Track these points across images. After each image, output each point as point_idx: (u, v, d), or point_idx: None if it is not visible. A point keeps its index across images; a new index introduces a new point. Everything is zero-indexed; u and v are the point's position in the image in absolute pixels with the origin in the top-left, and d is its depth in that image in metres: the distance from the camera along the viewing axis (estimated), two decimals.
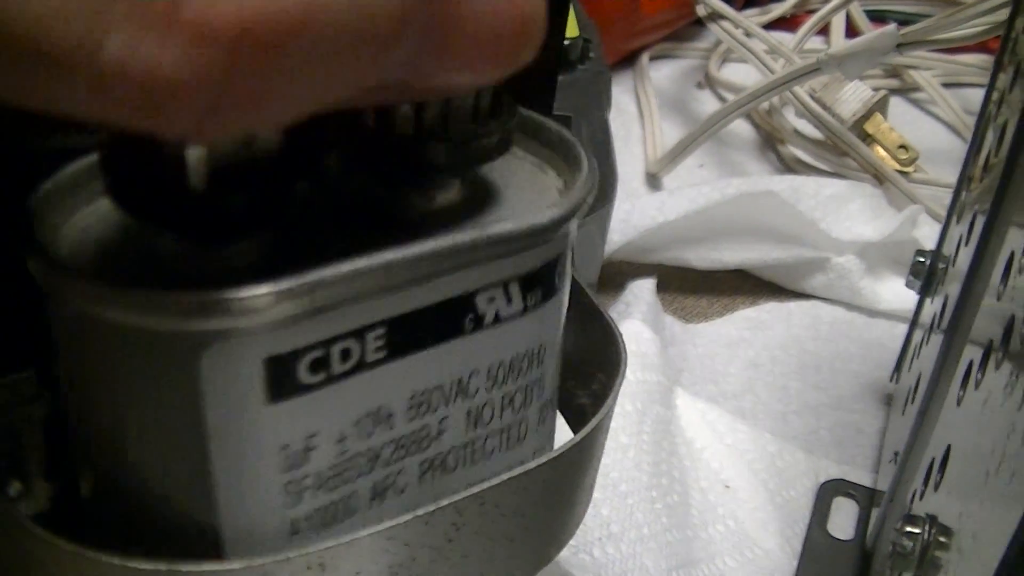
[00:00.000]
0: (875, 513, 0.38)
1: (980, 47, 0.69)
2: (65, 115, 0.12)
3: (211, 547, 0.18)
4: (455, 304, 0.19)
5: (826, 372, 0.47)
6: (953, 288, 0.32)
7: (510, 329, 0.20)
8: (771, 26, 0.74)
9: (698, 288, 0.52)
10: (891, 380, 0.46)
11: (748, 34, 0.66)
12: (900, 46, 0.54)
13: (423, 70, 0.14)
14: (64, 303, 0.17)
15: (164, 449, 0.17)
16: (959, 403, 0.28)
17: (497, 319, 0.19)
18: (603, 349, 0.23)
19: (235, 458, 0.17)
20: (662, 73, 0.72)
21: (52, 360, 0.19)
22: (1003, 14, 0.49)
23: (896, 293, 0.50)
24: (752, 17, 0.72)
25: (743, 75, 0.69)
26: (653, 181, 0.60)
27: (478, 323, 0.19)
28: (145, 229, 0.17)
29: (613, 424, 0.32)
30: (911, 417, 0.33)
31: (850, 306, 0.51)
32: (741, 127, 0.66)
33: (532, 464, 0.20)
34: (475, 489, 0.20)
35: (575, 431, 0.23)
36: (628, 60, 0.71)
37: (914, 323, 0.43)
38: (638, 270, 0.51)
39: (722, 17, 0.67)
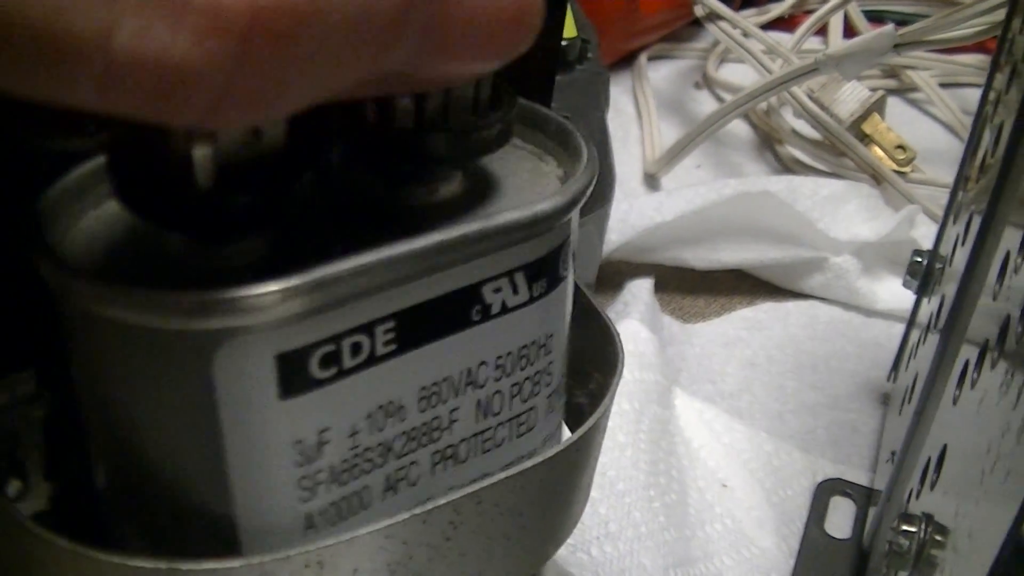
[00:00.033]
0: (872, 512, 0.38)
1: (977, 47, 0.69)
2: (74, 107, 0.12)
3: (228, 542, 0.18)
4: (462, 295, 0.19)
5: (823, 372, 0.47)
6: (950, 288, 0.32)
7: (517, 318, 0.20)
8: (769, 26, 0.74)
9: (696, 288, 0.52)
10: (888, 380, 0.46)
11: (746, 34, 0.66)
12: (898, 46, 0.54)
13: (423, 59, 0.15)
14: (75, 305, 0.17)
15: (178, 447, 0.17)
16: (955, 402, 0.28)
17: (504, 309, 0.19)
18: (601, 349, 0.23)
19: (249, 454, 0.17)
20: (660, 73, 0.72)
21: (59, 359, 0.19)
22: (1000, 14, 0.49)
23: (893, 293, 0.50)
24: (750, 17, 0.73)
25: (741, 75, 0.69)
26: (651, 181, 0.61)
27: (485, 313, 0.19)
28: (152, 230, 0.17)
29: (611, 423, 0.33)
30: (908, 416, 0.33)
31: (847, 306, 0.51)
32: (739, 127, 0.66)
33: (529, 463, 0.20)
34: (472, 488, 0.20)
35: (572, 430, 0.23)
36: (626, 60, 0.71)
37: (911, 323, 0.43)
38: (636, 270, 0.51)
39: (720, 17, 0.67)
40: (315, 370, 0.17)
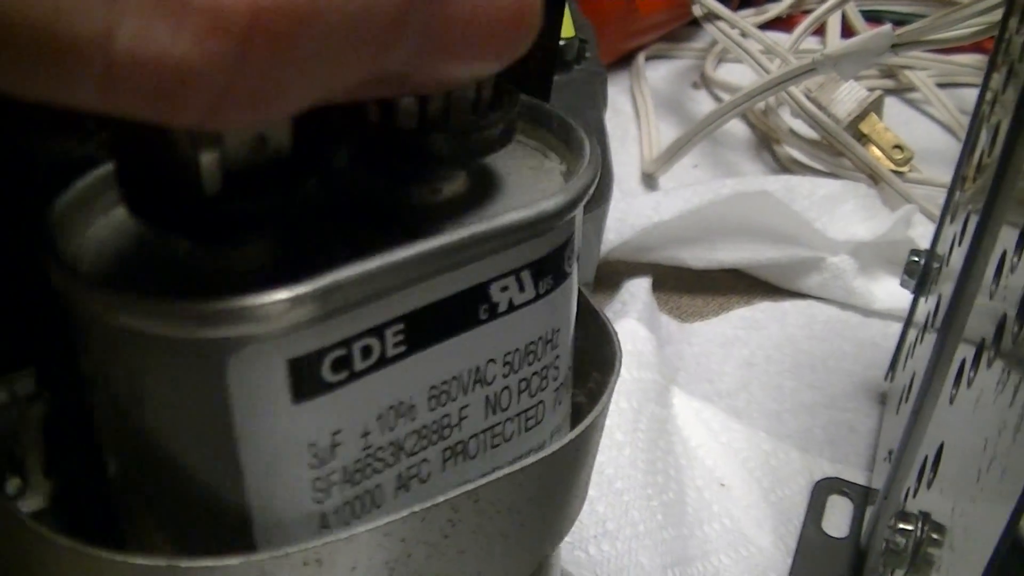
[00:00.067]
0: (869, 511, 0.38)
1: (975, 47, 0.69)
2: (75, 107, 0.12)
3: (243, 542, 0.18)
4: (470, 295, 0.19)
5: (820, 371, 0.48)
6: (947, 287, 0.32)
7: (524, 316, 0.20)
8: (767, 26, 0.74)
9: (693, 287, 0.52)
10: (885, 379, 0.46)
11: (744, 34, 0.67)
12: (895, 46, 0.54)
13: (423, 60, 0.15)
14: (87, 313, 0.17)
15: (193, 451, 0.18)
16: (952, 401, 0.28)
17: (511, 307, 0.19)
18: (599, 348, 0.23)
19: (264, 457, 0.17)
20: (658, 73, 0.72)
21: (59, 358, 0.19)
22: (997, 14, 0.49)
23: (890, 292, 0.50)
24: (748, 17, 0.73)
25: (739, 75, 0.69)
26: (649, 181, 0.61)
27: (493, 312, 0.19)
28: (161, 236, 0.17)
29: (609, 422, 0.33)
30: (905, 416, 0.33)
31: (845, 305, 0.52)
32: (737, 127, 0.66)
33: (527, 461, 0.20)
34: (470, 486, 0.20)
35: (570, 428, 0.23)
36: (624, 60, 0.71)
37: (908, 322, 0.43)
38: (634, 269, 0.51)
39: (718, 17, 0.67)
40: (327, 374, 0.17)
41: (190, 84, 0.12)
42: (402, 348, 0.18)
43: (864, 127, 0.61)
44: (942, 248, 0.38)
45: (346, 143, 0.18)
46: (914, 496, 0.30)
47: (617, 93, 0.67)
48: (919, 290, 0.40)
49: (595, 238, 0.47)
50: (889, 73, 0.71)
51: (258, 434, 0.17)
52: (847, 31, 0.73)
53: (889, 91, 0.69)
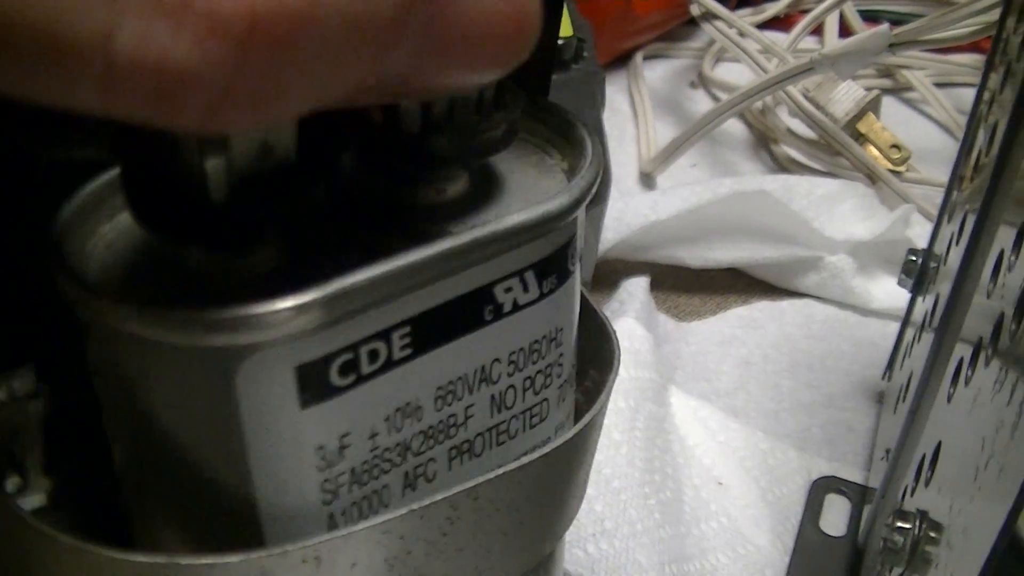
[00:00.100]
0: (866, 510, 0.38)
1: (972, 47, 0.69)
2: (74, 109, 0.13)
3: (253, 543, 0.18)
4: (475, 297, 0.19)
5: (818, 370, 0.48)
6: (944, 287, 0.32)
7: (528, 315, 0.20)
8: (764, 26, 0.74)
9: (691, 286, 0.52)
10: (883, 378, 0.46)
11: (742, 34, 0.67)
12: (893, 46, 0.55)
13: (422, 67, 0.15)
14: (94, 320, 0.17)
15: (202, 455, 0.18)
16: (949, 400, 0.28)
17: (516, 307, 0.20)
18: (597, 346, 0.24)
19: (273, 461, 0.17)
20: (656, 73, 0.72)
21: (59, 356, 0.19)
22: (995, 14, 0.49)
23: (888, 292, 0.50)
24: (745, 17, 0.73)
25: (736, 75, 0.69)
26: (647, 180, 0.61)
27: (498, 313, 0.19)
28: (167, 244, 0.17)
29: (606, 421, 0.33)
30: (903, 415, 0.33)
31: (842, 305, 0.52)
32: (734, 126, 0.66)
33: (525, 459, 0.20)
34: (469, 484, 0.20)
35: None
36: (622, 59, 0.71)
37: (906, 321, 0.43)
38: (632, 268, 0.51)
39: (716, 17, 0.67)
40: (335, 378, 0.17)
41: (188, 86, 0.12)
42: (409, 350, 0.18)
43: (862, 127, 0.61)
44: (939, 247, 0.38)
45: (350, 146, 0.18)
46: (912, 495, 0.30)
47: (615, 92, 0.67)
48: (916, 289, 0.40)
49: (593, 237, 0.47)
50: (886, 73, 0.71)
51: (267, 438, 0.17)
52: (845, 31, 0.73)
53: (887, 91, 0.69)
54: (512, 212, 0.19)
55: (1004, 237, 0.26)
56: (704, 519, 0.39)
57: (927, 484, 0.28)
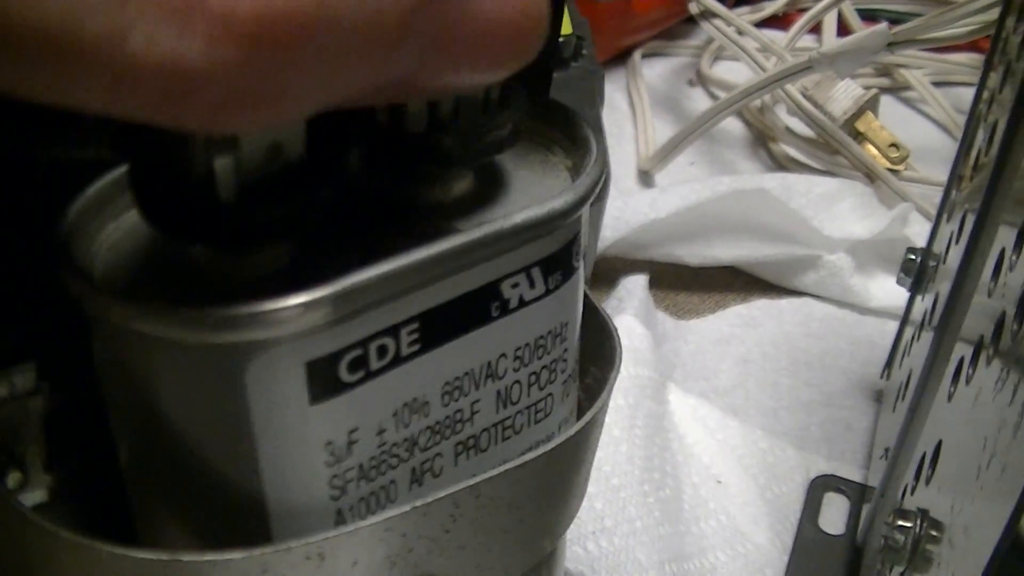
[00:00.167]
0: (865, 508, 0.38)
1: (971, 46, 0.69)
2: (84, 109, 0.13)
3: (260, 538, 0.18)
4: (482, 293, 0.19)
5: (817, 369, 0.48)
6: (944, 286, 0.32)
7: (534, 311, 0.20)
8: (763, 24, 0.74)
9: (690, 285, 0.52)
10: (882, 377, 0.46)
11: (740, 32, 0.67)
12: (891, 45, 0.55)
13: (429, 68, 0.15)
14: (102, 319, 0.17)
15: (211, 452, 0.18)
16: (950, 399, 0.28)
17: (522, 303, 0.20)
18: (598, 344, 0.24)
19: (282, 457, 0.18)
20: (654, 71, 0.72)
21: (60, 352, 0.19)
22: (994, 13, 0.49)
23: (887, 290, 0.50)
24: (744, 15, 0.73)
25: (735, 73, 0.69)
26: (645, 178, 0.61)
27: (504, 308, 0.20)
28: (176, 243, 0.17)
29: (606, 419, 0.32)
30: (902, 413, 0.34)
31: (841, 303, 0.52)
32: (733, 125, 0.66)
33: (527, 457, 0.20)
34: (471, 481, 0.20)
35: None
36: (620, 58, 0.71)
37: (905, 320, 0.43)
38: (630, 266, 0.51)
39: (714, 15, 0.67)
40: (344, 374, 0.18)
41: (198, 87, 0.12)
42: (417, 346, 0.18)
43: (860, 125, 0.61)
44: (938, 246, 0.38)
45: (357, 145, 0.19)
46: (912, 493, 0.30)
47: (613, 90, 0.67)
48: (915, 288, 0.40)
49: (592, 235, 0.47)
50: (885, 71, 0.71)
51: (276, 435, 0.17)
52: (843, 29, 0.73)
53: (885, 89, 0.69)
54: (517, 210, 0.19)
55: (1005, 236, 0.26)
56: (703, 517, 0.39)
57: (928, 483, 0.28)
